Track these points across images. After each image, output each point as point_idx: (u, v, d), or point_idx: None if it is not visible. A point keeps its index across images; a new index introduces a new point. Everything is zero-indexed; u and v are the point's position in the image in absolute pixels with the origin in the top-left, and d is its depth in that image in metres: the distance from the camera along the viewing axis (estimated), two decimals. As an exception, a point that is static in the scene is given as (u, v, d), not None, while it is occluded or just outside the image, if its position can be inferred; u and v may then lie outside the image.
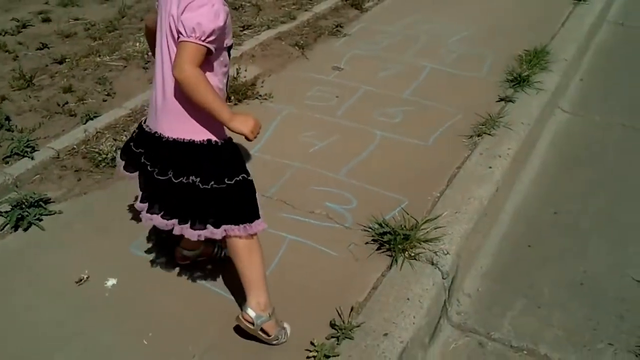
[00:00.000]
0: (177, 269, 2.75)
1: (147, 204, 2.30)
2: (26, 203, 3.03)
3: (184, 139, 2.15)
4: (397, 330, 2.40)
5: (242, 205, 2.25)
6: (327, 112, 4.04)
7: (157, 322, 2.49)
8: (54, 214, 3.08)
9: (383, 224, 2.90)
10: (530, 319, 2.78)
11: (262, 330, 2.31)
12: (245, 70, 4.40)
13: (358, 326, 2.41)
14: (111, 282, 2.70)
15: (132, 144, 2.40)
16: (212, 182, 2.17)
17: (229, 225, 2.21)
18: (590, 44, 5.59)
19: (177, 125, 2.15)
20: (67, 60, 4.46)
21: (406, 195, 3.24)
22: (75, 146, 3.52)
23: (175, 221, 2.24)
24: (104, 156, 3.42)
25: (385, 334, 2.38)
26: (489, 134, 3.74)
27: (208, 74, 2.10)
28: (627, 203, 3.54)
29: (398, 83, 4.46)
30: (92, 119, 3.72)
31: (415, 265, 2.72)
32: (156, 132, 2.20)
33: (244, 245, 2.26)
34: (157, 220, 2.28)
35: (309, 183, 3.34)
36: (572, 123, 4.40)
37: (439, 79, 4.56)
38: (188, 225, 2.22)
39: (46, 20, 5.24)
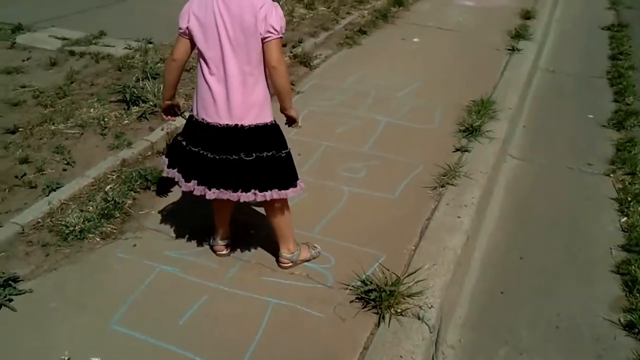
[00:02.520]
0: (161, 343, 2.68)
1: (206, 187, 2.85)
2: (-6, 283, 2.90)
3: (257, 124, 2.78)
4: (395, 390, 2.42)
5: (294, 168, 2.99)
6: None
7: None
8: (24, 293, 2.95)
9: (367, 282, 2.93)
10: (515, 366, 2.86)
11: (299, 261, 3.15)
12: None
13: (356, 388, 2.41)
14: (95, 361, 2.60)
15: (187, 147, 2.87)
16: (283, 150, 2.87)
17: (291, 187, 2.93)
18: (528, 92, 5.91)
19: (252, 115, 2.76)
20: (20, 129, 4.34)
21: (382, 249, 3.29)
22: (40, 220, 3.40)
23: (245, 193, 2.84)
24: (71, 229, 3.32)
25: (384, 394, 2.39)
26: (452, 184, 3.87)
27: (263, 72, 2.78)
28: (585, 241, 3.72)
29: (357, 138, 4.57)
30: (54, 190, 3.62)
31: (403, 321, 2.76)
32: (227, 125, 2.75)
33: (284, 202, 3.00)
34: (225, 194, 2.84)
35: (284, 243, 3.34)
36: (523, 168, 4.61)
37: (395, 132, 4.70)
38: (262, 192, 2.85)
39: (-10, 89, 5.10)
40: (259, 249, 3.31)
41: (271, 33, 2.62)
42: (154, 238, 3.38)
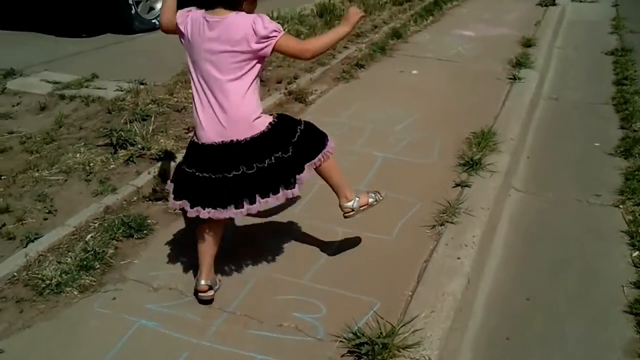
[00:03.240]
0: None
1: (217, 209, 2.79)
2: (-39, 346, 2.71)
3: (253, 136, 2.73)
4: None
5: (320, 132, 3.01)
6: (285, 211, 3.90)
7: None
8: (-6, 354, 2.77)
9: (358, 334, 2.72)
10: (524, 422, 2.62)
11: (360, 207, 3.15)
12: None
13: None
14: None
15: (191, 171, 2.83)
16: (289, 148, 2.81)
17: (323, 151, 2.93)
18: (531, 121, 5.73)
19: (244, 128, 2.72)
20: (2, 177, 4.19)
21: (377, 296, 3.08)
22: (15, 273, 3.21)
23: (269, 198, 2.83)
24: (47, 282, 3.14)
25: None
26: (451, 222, 3.66)
27: (254, 85, 2.75)
28: (595, 279, 3.49)
29: (353, 174, 4.34)
30: (32, 241, 3.44)
31: (398, 377, 2.54)
32: (222, 141, 2.72)
33: (330, 160, 2.98)
34: (253, 208, 2.82)
35: (273, 292, 3.14)
36: (528, 202, 4.40)
37: (392, 168, 4.52)
38: (287, 187, 2.84)
39: (-22, 137, 4.97)
40: (247, 298, 3.10)
41: (271, 37, 2.61)
42: (134, 289, 3.19)
